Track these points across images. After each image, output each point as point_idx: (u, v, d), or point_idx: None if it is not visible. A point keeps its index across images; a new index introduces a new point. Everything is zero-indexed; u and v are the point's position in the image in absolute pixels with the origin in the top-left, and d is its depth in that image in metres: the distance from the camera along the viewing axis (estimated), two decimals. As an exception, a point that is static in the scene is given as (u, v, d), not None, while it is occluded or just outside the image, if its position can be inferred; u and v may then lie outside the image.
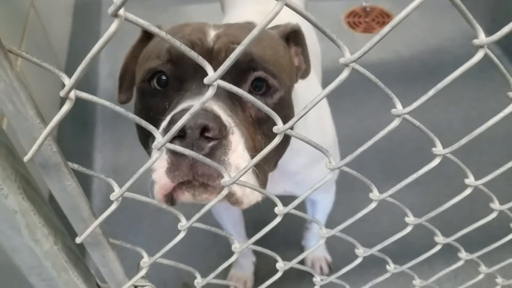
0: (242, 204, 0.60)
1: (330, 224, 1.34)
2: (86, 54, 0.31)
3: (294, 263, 0.61)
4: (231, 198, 0.58)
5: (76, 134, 1.70)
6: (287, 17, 0.78)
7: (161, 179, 0.57)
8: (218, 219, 1.26)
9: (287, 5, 0.31)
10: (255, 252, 1.45)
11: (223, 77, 0.61)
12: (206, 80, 0.35)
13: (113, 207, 0.45)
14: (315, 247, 0.56)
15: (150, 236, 1.58)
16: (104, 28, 2.31)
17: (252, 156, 0.60)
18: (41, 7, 1.50)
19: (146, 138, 0.70)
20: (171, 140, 0.52)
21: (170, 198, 0.60)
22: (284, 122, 0.39)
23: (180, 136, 0.54)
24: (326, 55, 1.31)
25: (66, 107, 0.35)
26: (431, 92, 0.38)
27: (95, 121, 1.95)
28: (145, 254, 0.54)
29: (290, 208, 0.50)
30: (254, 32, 0.32)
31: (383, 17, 2.34)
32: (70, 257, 0.52)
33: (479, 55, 0.36)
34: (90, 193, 1.63)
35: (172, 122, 0.55)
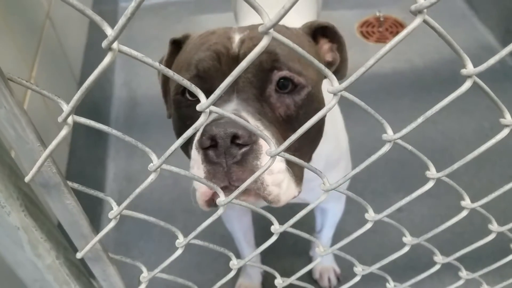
0: (280, 202, 0.62)
1: (339, 233, 1.35)
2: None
3: (293, 279, 0.62)
4: (267, 197, 0.60)
5: (91, 141, 1.72)
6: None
7: (201, 187, 0.61)
8: (229, 227, 1.27)
9: (274, 37, 0.32)
10: (263, 262, 1.46)
11: (248, 80, 0.64)
12: (198, 108, 0.36)
13: (111, 225, 0.46)
14: (310, 267, 0.57)
15: (160, 244, 1.60)
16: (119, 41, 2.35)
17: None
18: (56, 18, 1.53)
19: (186, 146, 0.73)
20: (206, 150, 0.57)
21: (212, 203, 0.63)
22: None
23: (213, 146, 0.57)
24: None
25: (64, 132, 0.36)
26: (420, 120, 0.39)
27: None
28: (144, 269, 0.56)
29: (286, 227, 0.51)
30: (242, 64, 0.33)
31: (397, 27, 2.33)
32: (72, 270, 0.54)
33: (467, 85, 0.37)
34: (102, 201, 1.65)
35: (204, 134, 0.57)
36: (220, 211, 0.47)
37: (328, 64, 0.81)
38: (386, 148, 0.41)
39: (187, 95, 0.70)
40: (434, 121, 1.84)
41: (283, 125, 0.66)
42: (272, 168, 0.59)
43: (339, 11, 2.43)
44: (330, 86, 0.36)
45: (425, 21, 0.32)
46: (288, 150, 0.63)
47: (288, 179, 0.64)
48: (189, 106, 0.70)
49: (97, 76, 0.33)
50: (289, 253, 1.53)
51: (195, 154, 0.60)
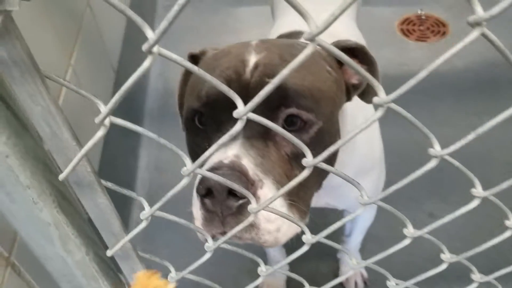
0: (279, 244, 0.60)
1: (368, 239, 1.32)
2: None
3: (322, 288, 0.60)
4: (264, 245, 0.59)
5: (124, 130, 1.72)
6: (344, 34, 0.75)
7: (200, 229, 0.60)
8: None
9: (319, 45, 0.31)
10: (288, 263, 1.45)
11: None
12: (235, 114, 0.35)
13: (142, 225, 0.46)
14: (339, 280, 0.55)
15: (186, 237, 1.60)
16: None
17: (289, 196, 0.60)
18: (97, 7, 1.54)
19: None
20: (203, 198, 0.56)
21: (214, 238, 0.62)
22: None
23: (210, 194, 0.55)
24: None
25: (101, 133, 0.36)
26: (470, 136, 0.37)
27: (143, 119, 2.00)
28: (172, 269, 0.55)
29: (318, 238, 0.49)
30: (275, 81, 0.31)
31: (438, 26, 2.26)
32: (101, 266, 0.53)
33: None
34: (134, 191, 1.67)
35: (201, 183, 0.56)
36: (250, 218, 0.45)
37: (353, 87, 0.74)
38: (432, 164, 0.39)
39: (197, 122, 0.68)
40: (472, 126, 1.77)
41: (288, 164, 0.63)
42: (269, 216, 0.57)
43: (379, 7, 2.37)
44: (376, 97, 0.34)
45: (483, 35, 0.30)
46: (291, 194, 0.60)
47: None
48: (197, 133, 0.68)
49: (136, 79, 0.32)
50: (315, 256, 1.51)
51: (195, 197, 0.59)
